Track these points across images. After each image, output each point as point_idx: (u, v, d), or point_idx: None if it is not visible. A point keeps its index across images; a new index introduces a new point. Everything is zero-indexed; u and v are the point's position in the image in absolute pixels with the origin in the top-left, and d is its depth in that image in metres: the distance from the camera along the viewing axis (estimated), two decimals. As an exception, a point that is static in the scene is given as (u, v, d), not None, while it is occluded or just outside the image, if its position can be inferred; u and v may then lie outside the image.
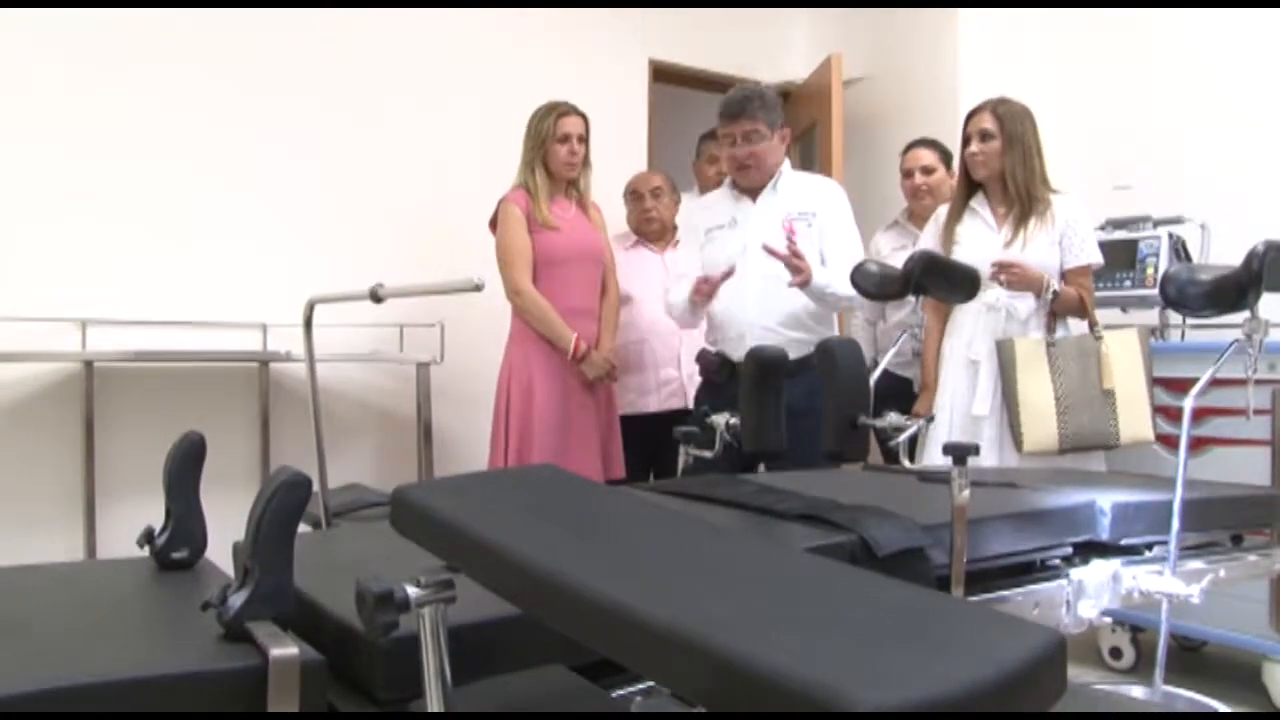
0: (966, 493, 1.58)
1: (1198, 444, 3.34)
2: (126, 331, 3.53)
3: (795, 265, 2.95)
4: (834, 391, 1.69)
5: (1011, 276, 3.06)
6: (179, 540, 1.63)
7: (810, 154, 4.90)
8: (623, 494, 1.22)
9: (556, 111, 3.55)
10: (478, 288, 1.92)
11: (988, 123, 3.16)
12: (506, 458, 3.46)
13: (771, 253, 2.95)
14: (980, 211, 3.24)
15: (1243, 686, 3.28)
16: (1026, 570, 1.86)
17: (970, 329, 3.20)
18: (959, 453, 1.58)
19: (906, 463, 1.65)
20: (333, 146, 4.02)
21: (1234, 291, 1.95)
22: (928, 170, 3.81)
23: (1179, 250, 3.63)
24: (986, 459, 3.12)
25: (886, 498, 1.79)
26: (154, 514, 1.68)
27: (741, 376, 2.02)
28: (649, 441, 3.79)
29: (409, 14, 4.19)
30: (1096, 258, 3.19)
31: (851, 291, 2.96)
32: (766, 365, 1.95)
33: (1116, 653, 3.51)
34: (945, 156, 3.85)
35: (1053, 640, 0.68)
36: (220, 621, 1.23)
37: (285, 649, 1.14)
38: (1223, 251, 3.70)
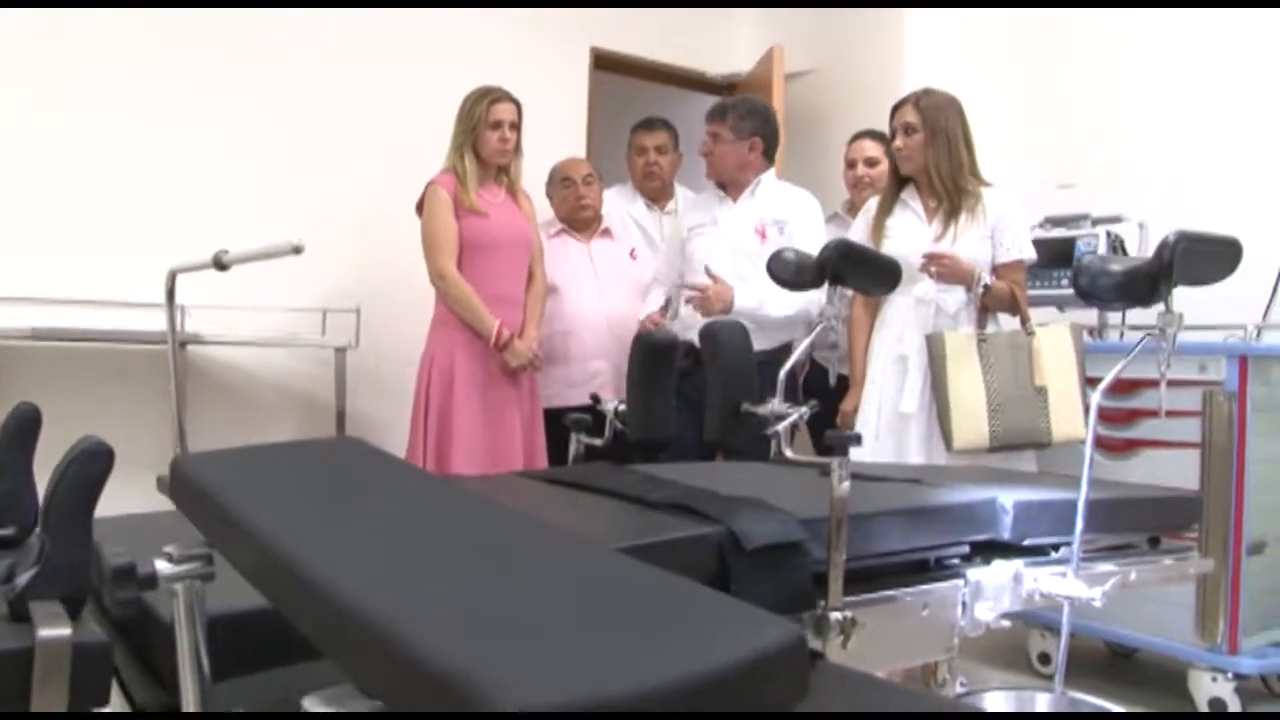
0: (846, 484, 1.48)
1: (1127, 446, 3.29)
2: (29, 309, 3.39)
3: (703, 300, 3.24)
4: (717, 377, 1.59)
5: (941, 268, 2.99)
6: (4, 517, 1.52)
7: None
8: (419, 475, 1.12)
9: (490, 97, 3.46)
10: (297, 250, 1.85)
11: (910, 115, 3.10)
12: (425, 447, 3.35)
13: (692, 287, 3.28)
14: (911, 204, 3.17)
15: (1169, 693, 3.22)
16: (920, 570, 1.77)
17: (900, 323, 3.12)
18: (839, 442, 1.48)
19: (788, 452, 1.55)
20: (262, 129, 3.89)
21: (1146, 283, 1.87)
22: (871, 162, 3.73)
23: (1116, 248, 3.57)
24: (914, 457, 3.05)
25: (779, 491, 1.70)
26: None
27: (629, 363, 1.92)
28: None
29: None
30: (1029, 253, 3.12)
31: (791, 311, 3.22)
32: (655, 351, 1.85)
33: (1045, 658, 3.45)
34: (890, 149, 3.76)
35: (786, 639, 0.59)
36: (5, 600, 1.12)
37: (56, 630, 1.03)
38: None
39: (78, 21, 3.57)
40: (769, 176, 3.53)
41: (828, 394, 3.21)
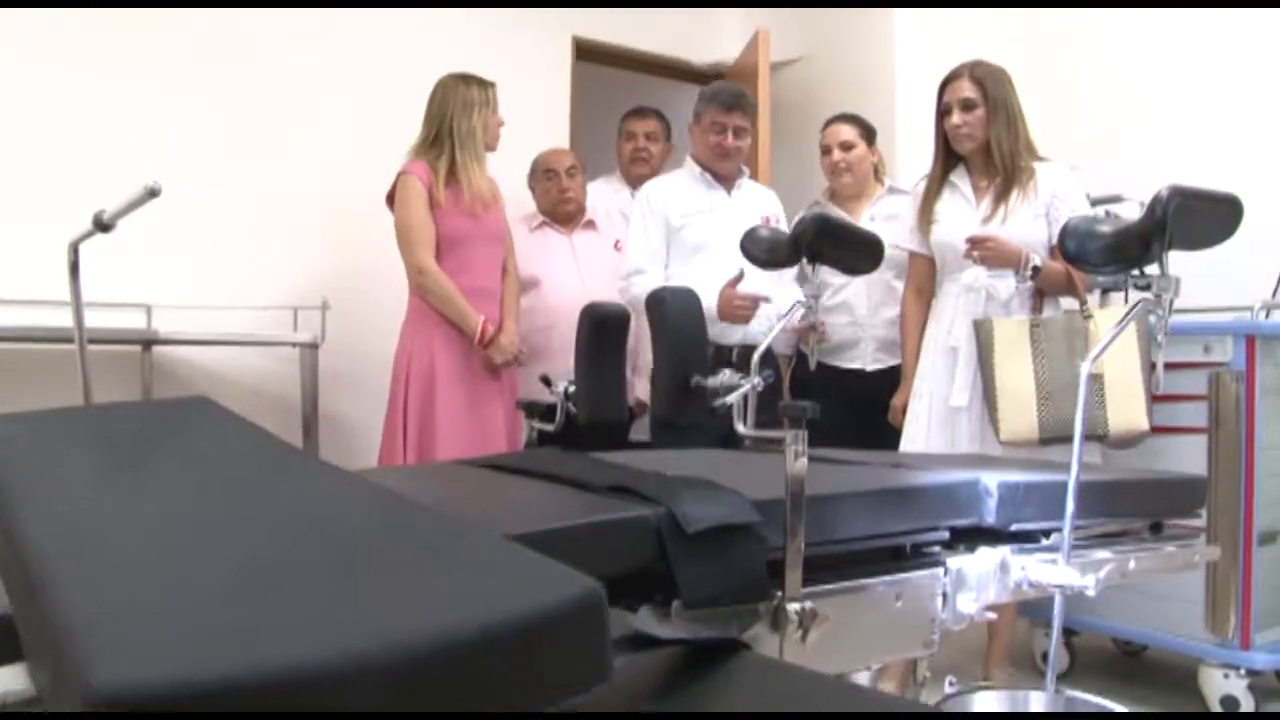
0: (803, 462, 1.34)
1: (1129, 432, 3.12)
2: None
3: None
4: (665, 348, 1.45)
5: (985, 252, 2.82)
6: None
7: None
8: (266, 446, 0.98)
9: (480, 84, 3.35)
10: (153, 193, 1.82)
11: (968, 90, 2.92)
12: (406, 447, 3.22)
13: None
14: (960, 186, 3.01)
15: (1180, 691, 3.07)
16: (895, 558, 1.62)
17: (950, 313, 2.98)
18: (793, 414, 1.34)
19: (740, 428, 1.40)
20: (224, 123, 3.76)
21: (1137, 243, 1.72)
22: (846, 146, 3.58)
23: (1117, 230, 3.41)
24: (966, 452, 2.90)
25: (738, 475, 1.55)
26: None
27: (577, 338, 1.78)
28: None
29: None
30: None
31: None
32: (603, 324, 1.70)
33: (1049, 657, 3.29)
34: (867, 133, 3.62)
35: (559, 600, 0.44)
36: None
37: None
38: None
39: (27, 21, 3.45)
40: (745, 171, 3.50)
41: (810, 384, 3.04)
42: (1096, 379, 2.73)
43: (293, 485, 0.83)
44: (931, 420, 2.97)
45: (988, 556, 1.71)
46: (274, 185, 3.82)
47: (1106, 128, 3.91)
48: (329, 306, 3.62)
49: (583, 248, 3.81)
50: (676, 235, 3.29)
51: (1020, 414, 2.79)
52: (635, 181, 4.13)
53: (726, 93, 3.36)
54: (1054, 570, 1.69)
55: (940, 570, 1.64)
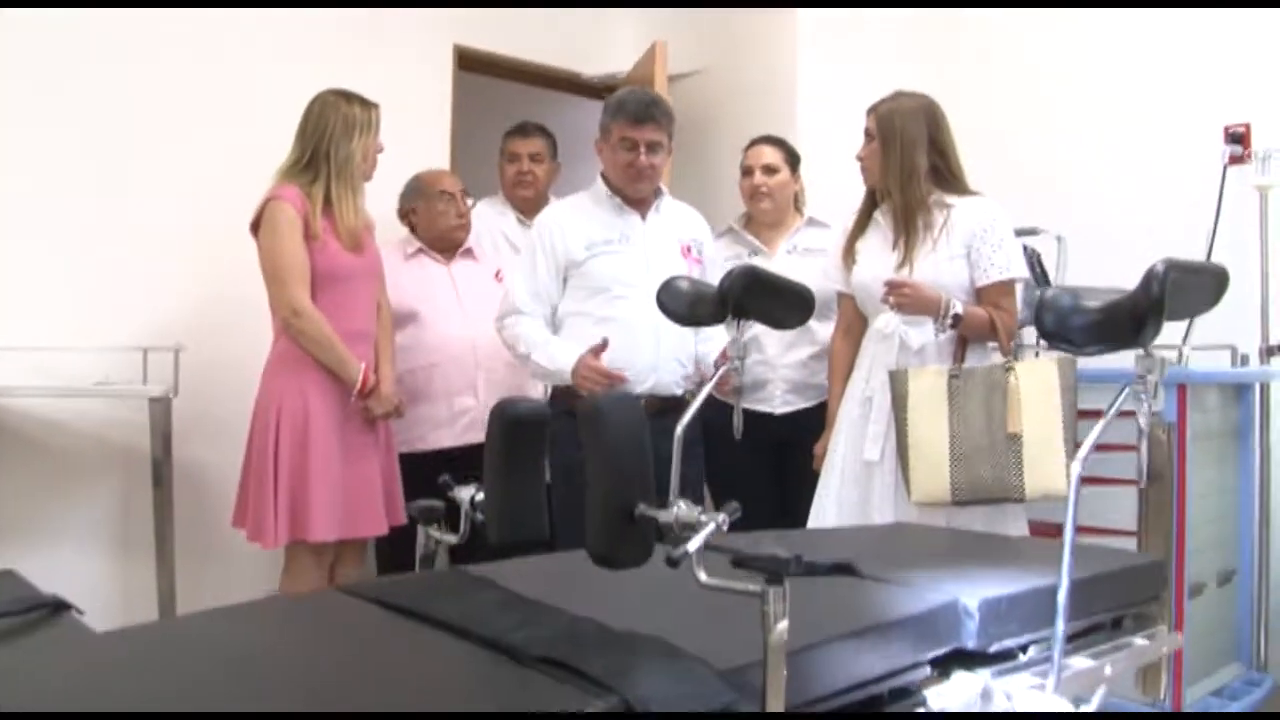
0: (782, 627, 1.07)
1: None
2: None
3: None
4: (600, 468, 1.17)
5: (902, 298, 2.60)
6: None
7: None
8: None
9: (363, 102, 2.99)
10: None
11: (868, 121, 2.76)
12: (277, 505, 2.84)
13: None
14: (882, 223, 2.80)
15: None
16: (874, 702, 1.37)
17: (868, 359, 2.78)
18: (770, 568, 1.08)
19: (702, 577, 1.13)
20: (70, 141, 3.32)
21: (1129, 322, 1.51)
22: (770, 170, 3.35)
23: (1034, 265, 3.25)
24: (879, 512, 2.68)
25: (686, 611, 1.29)
26: None
27: (487, 442, 1.47)
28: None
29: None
30: (1015, 270, 2.73)
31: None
32: (518, 426, 1.40)
33: None
34: (791, 158, 3.40)
35: None
36: None
37: None
38: (1079, 267, 3.37)
39: None
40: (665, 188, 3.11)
41: (715, 425, 2.75)
42: (1014, 439, 2.55)
43: None
44: (845, 474, 2.77)
45: (969, 684, 1.49)
46: (120, 211, 3.40)
47: (1015, 154, 3.72)
48: (183, 348, 3.21)
49: (463, 278, 3.49)
50: (579, 270, 2.91)
51: (933, 474, 2.59)
52: (520, 205, 3.85)
53: (634, 102, 2.92)
54: (1045, 698, 1.47)
55: (920, 708, 1.41)
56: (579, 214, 2.99)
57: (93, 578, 3.32)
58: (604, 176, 3.02)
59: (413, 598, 1.31)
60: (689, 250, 3.01)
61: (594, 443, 1.19)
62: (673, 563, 1.10)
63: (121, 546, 3.40)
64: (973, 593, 1.51)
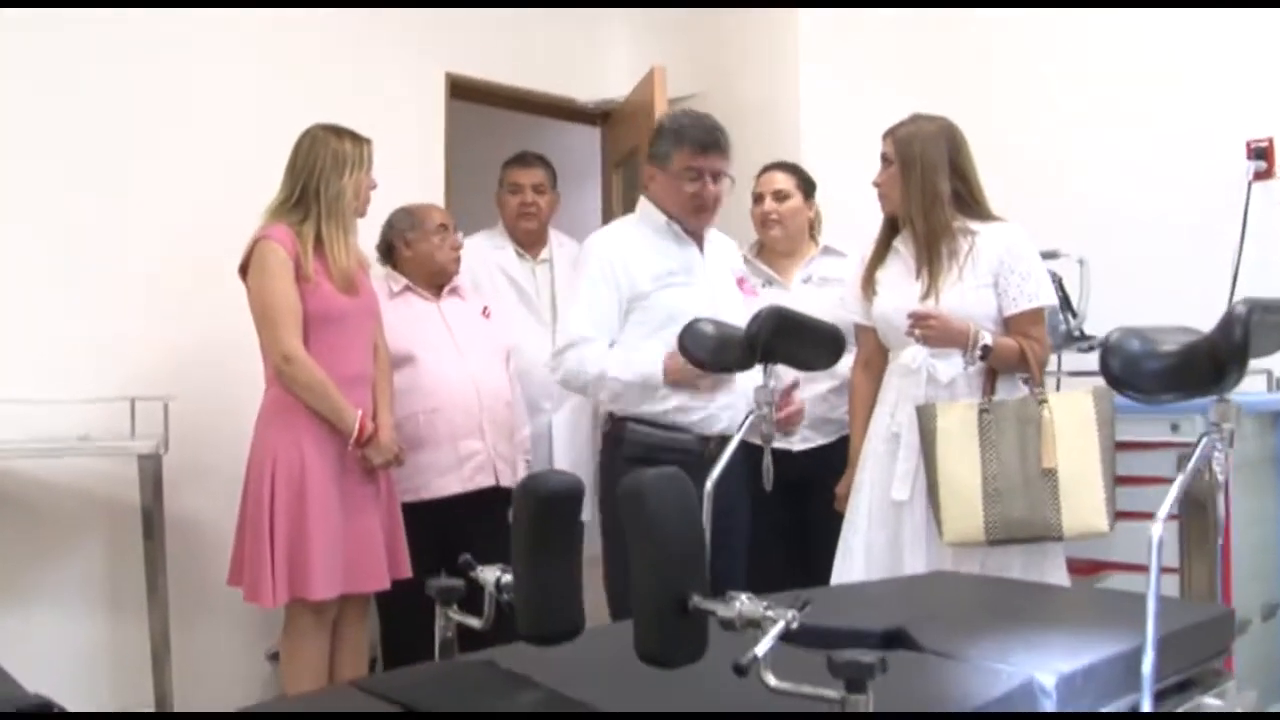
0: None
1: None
2: None
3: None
4: (647, 558, 1.03)
5: (928, 330, 2.48)
6: None
7: (634, 184, 4.24)
8: None
9: (354, 138, 2.89)
10: None
11: (885, 146, 2.64)
12: (274, 562, 2.72)
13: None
14: (903, 252, 2.68)
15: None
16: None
17: (894, 394, 2.65)
18: (852, 674, 0.94)
19: (771, 681, 0.99)
20: (54, 175, 3.19)
21: (1208, 368, 1.38)
22: (781, 196, 3.24)
23: (1057, 289, 3.12)
24: (910, 554, 2.55)
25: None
26: None
27: (515, 522, 1.32)
28: (450, 531, 3.09)
29: (158, 15, 3.37)
30: (1044, 298, 2.63)
31: None
32: (550, 505, 1.25)
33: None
34: (805, 184, 3.30)
35: None
36: None
37: None
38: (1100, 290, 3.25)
39: None
40: None
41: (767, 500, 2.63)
42: (1049, 475, 2.44)
43: None
44: (872, 514, 2.65)
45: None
46: (105, 253, 3.26)
47: (1031, 176, 3.58)
48: (172, 398, 3.06)
49: (453, 316, 3.35)
50: (643, 303, 2.70)
51: (966, 513, 2.48)
52: (521, 238, 3.73)
53: (699, 129, 2.73)
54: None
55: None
56: (641, 244, 2.78)
57: (79, 640, 3.17)
58: (656, 204, 2.82)
59: (443, 700, 1.16)
60: (743, 282, 2.89)
61: (637, 526, 1.06)
62: (741, 671, 0.96)
63: (111, 607, 3.25)
64: (1046, 666, 1.38)
